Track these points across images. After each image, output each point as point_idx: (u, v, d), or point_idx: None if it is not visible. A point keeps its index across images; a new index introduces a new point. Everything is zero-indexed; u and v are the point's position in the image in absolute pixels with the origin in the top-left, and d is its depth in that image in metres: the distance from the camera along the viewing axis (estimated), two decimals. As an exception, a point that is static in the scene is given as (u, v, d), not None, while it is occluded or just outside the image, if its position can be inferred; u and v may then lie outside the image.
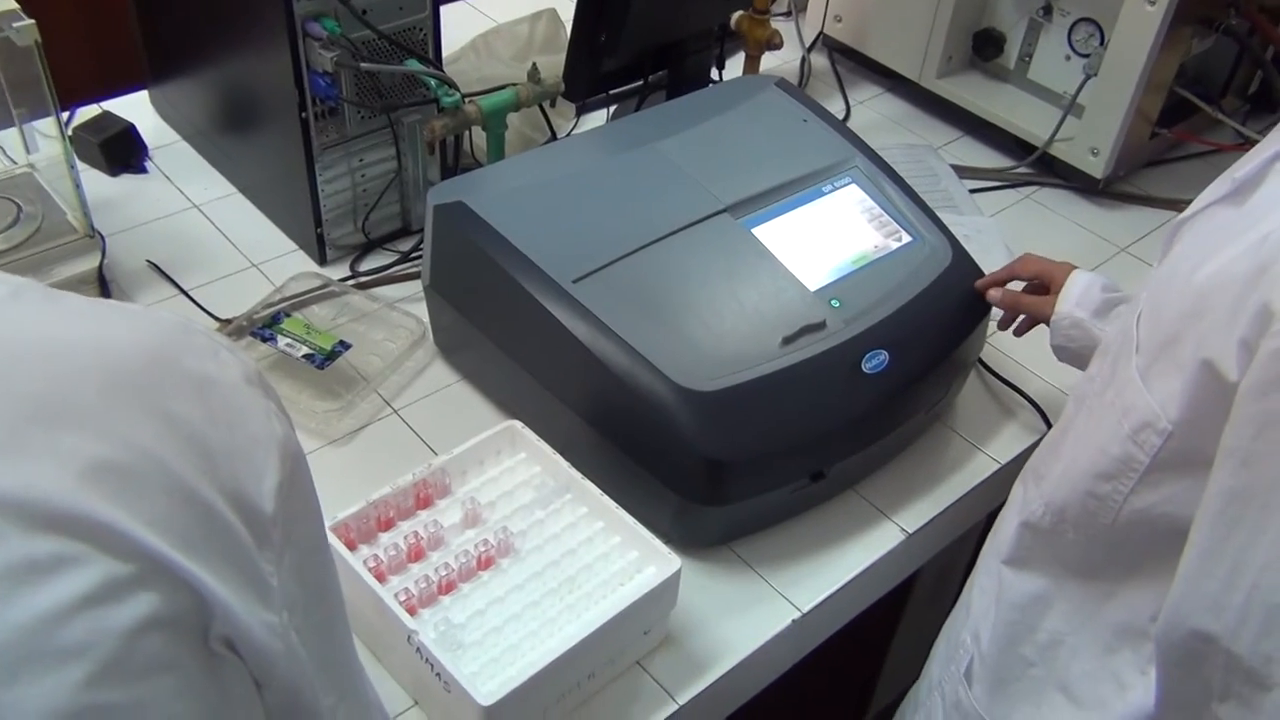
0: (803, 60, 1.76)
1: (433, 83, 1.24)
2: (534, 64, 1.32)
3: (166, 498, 0.46)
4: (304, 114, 1.20)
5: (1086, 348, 1.03)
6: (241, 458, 0.49)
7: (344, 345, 1.18)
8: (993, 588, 0.90)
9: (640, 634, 0.93)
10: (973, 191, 1.54)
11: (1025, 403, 1.22)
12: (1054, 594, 0.84)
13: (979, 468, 1.15)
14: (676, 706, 0.92)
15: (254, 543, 0.49)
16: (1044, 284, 1.10)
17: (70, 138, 1.39)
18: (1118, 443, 0.73)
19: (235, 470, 0.49)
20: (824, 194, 1.18)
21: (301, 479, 0.53)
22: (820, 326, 1.04)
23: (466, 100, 1.27)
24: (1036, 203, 1.55)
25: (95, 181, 1.42)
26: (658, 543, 0.94)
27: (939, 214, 1.22)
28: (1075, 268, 1.08)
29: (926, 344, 1.08)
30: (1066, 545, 0.81)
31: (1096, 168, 1.51)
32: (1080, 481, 0.77)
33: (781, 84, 1.31)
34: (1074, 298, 1.04)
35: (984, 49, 1.64)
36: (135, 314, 0.52)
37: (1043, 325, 1.09)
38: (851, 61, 1.77)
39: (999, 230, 1.45)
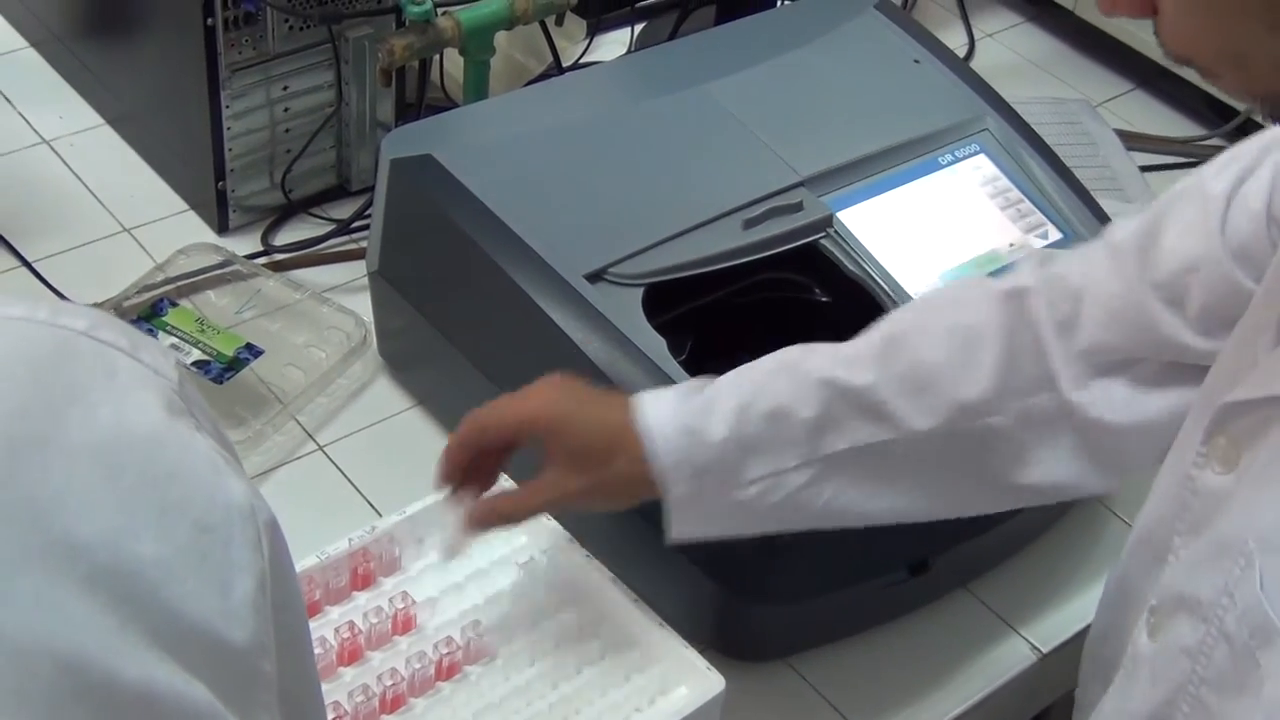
0: (910, -28, 1.77)
1: (394, -16, 1.26)
2: (535, -36, 1.33)
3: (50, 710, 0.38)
4: (209, 19, 1.21)
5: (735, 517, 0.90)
6: (187, 565, 0.43)
7: (252, 351, 1.19)
8: None
9: (662, 781, 0.94)
10: (1145, 169, 1.55)
11: (1212, 474, 1.22)
12: None
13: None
14: None
15: (235, 710, 0.43)
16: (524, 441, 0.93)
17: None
18: None
19: (182, 592, 0.42)
20: (940, 167, 1.19)
21: (283, 561, 0.48)
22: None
23: (441, 11, 1.28)
24: (1234, 188, 1.56)
25: (-95, 101, 1.44)
26: (692, 654, 0.94)
27: (1098, 199, 1.24)
28: (570, 393, 0.92)
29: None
30: None
31: (1322, 143, 1.52)
32: None
33: (884, 6, 1.32)
34: (682, 474, 0.87)
35: (1168, -33, 1.65)
36: None
37: None
38: (978, -24, 1.79)
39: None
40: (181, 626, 0.42)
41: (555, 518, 1.00)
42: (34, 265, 1.28)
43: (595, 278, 1.03)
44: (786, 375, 0.89)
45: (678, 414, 0.88)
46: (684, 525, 0.90)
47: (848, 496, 0.89)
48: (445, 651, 0.93)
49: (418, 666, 0.92)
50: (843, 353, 0.90)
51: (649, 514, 1.00)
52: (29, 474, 0.41)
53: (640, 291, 1.03)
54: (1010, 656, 1.08)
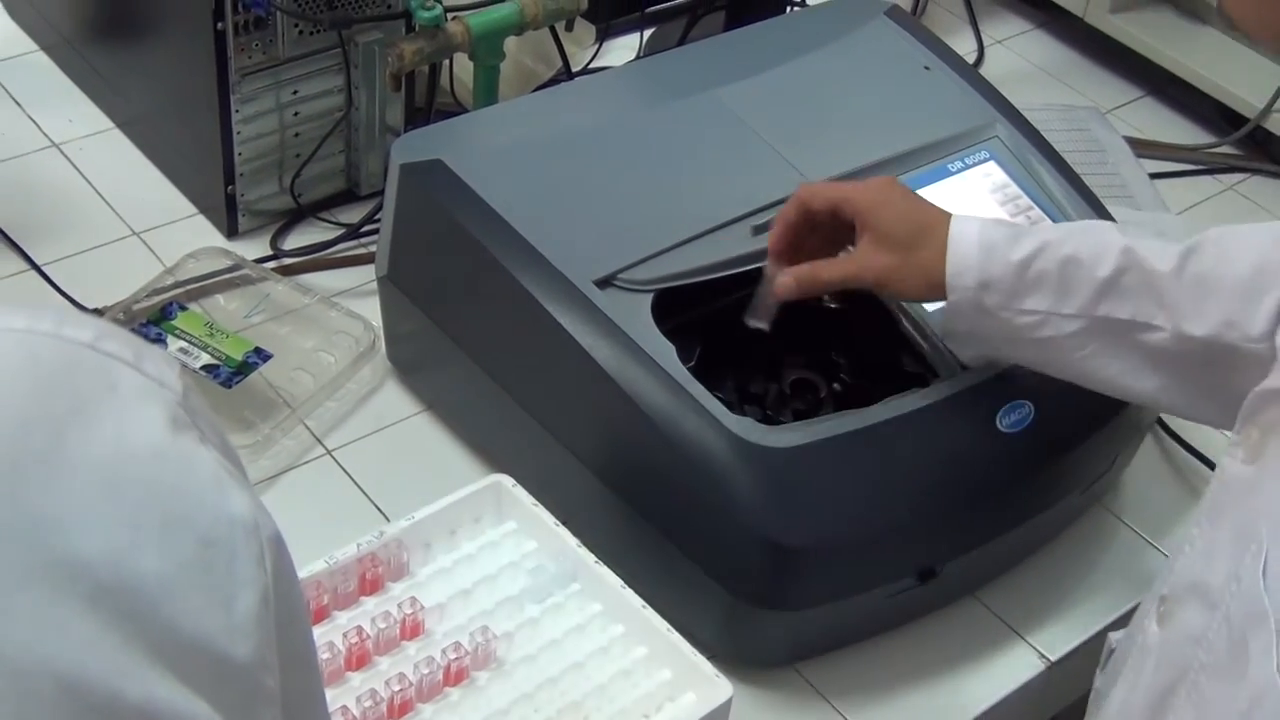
0: (919, -22, 1.78)
1: (404, -11, 1.26)
2: (545, -31, 1.34)
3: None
4: (219, 23, 1.22)
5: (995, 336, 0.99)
6: (189, 581, 0.43)
7: (261, 355, 1.19)
8: None
9: (669, 788, 0.94)
10: (1154, 176, 1.55)
11: (1221, 482, 1.22)
12: None
13: (1153, 571, 1.15)
14: None
15: None
16: (844, 221, 1.01)
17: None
18: None
19: (184, 608, 0.42)
20: (950, 174, 1.20)
21: (286, 576, 0.47)
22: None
23: (450, 17, 1.28)
24: (1243, 196, 1.56)
25: (-85, 104, 1.44)
26: (699, 659, 0.94)
27: (1108, 206, 1.24)
28: (897, 186, 1.02)
29: (1086, 394, 1.09)
30: None
31: (1332, 151, 1.53)
32: None
33: (894, 13, 1.32)
34: (969, 279, 0.95)
35: (1178, -25, 1.66)
36: None
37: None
38: (988, -17, 1.79)
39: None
40: (183, 643, 0.42)
41: (563, 524, 1.00)
42: (43, 269, 1.28)
43: (604, 283, 1.03)
44: (1094, 234, 0.97)
45: (985, 230, 0.97)
46: (957, 323, 0.99)
47: (1103, 361, 0.96)
48: (453, 657, 0.93)
49: (426, 672, 0.92)
50: (1151, 240, 0.97)
51: (656, 519, 1.01)
52: (30, 490, 0.41)
53: (649, 297, 1.03)
54: (1018, 664, 1.08)
